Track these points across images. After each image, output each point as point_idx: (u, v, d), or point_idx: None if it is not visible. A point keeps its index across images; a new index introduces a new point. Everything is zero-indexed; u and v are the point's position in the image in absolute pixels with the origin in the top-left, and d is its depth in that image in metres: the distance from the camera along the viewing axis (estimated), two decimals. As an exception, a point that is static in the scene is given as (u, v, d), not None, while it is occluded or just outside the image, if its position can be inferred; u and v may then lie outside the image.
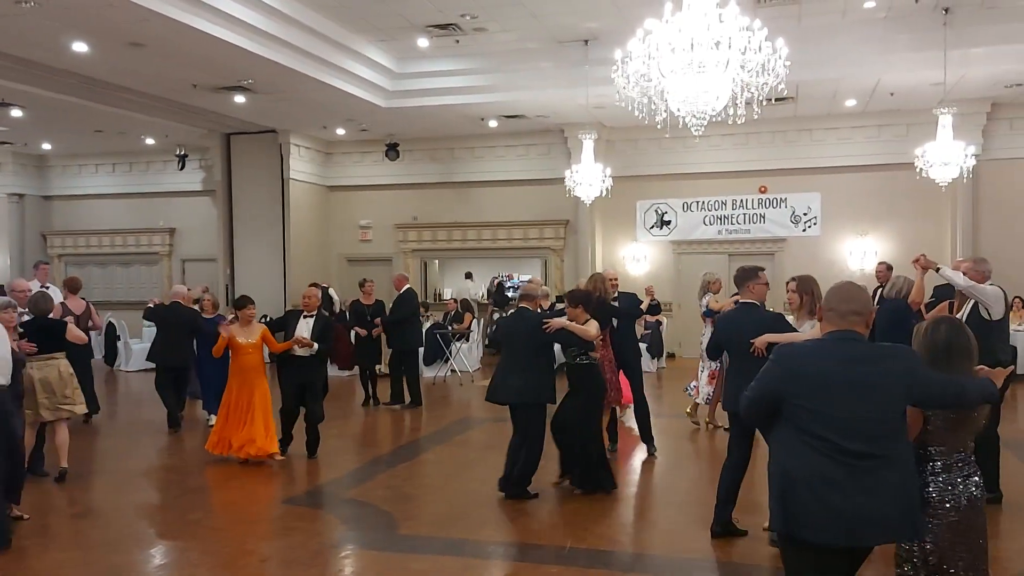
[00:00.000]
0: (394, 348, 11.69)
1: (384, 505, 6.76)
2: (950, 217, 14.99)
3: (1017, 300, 13.19)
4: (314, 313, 8.33)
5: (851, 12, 11.46)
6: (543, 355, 6.67)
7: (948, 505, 3.35)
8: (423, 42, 12.75)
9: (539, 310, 7.16)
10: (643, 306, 8.23)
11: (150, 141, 18.07)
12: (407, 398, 11.44)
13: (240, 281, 17.05)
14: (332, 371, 13.83)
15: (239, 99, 13.88)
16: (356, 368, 12.54)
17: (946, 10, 11.16)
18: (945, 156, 11.89)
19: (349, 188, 18.51)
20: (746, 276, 5.72)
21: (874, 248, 15.38)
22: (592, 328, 6.69)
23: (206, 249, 18.43)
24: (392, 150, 17.21)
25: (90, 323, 9.90)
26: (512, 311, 7.09)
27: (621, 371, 8.02)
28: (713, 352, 6.47)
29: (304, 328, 8.21)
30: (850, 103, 14.54)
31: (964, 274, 6.42)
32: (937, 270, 6.56)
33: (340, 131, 16.91)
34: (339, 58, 12.52)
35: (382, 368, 12.38)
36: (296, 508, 6.81)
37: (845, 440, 3.05)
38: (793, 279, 5.82)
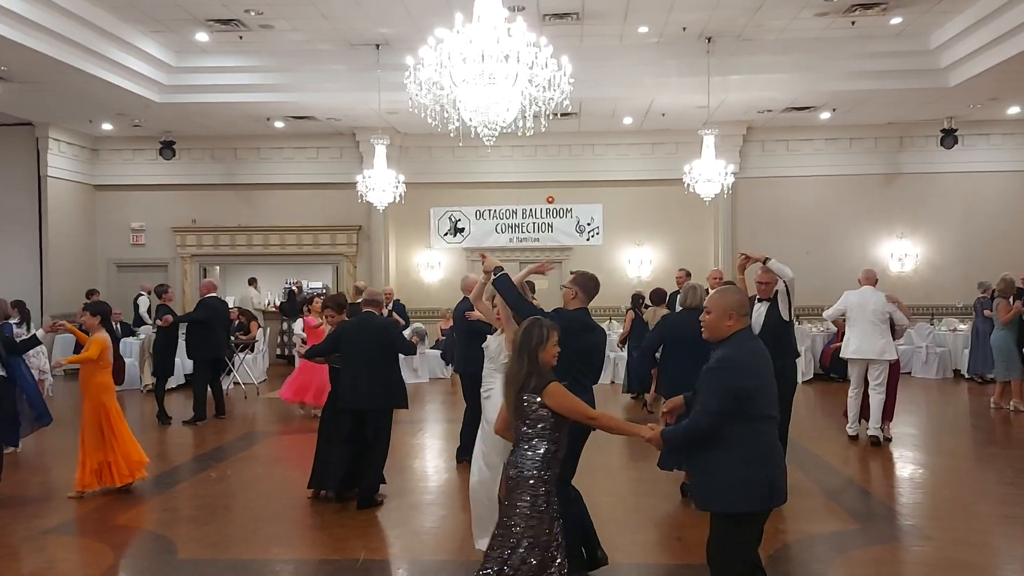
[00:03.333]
0: (197, 358, 11.11)
1: (161, 529, 6.30)
2: (713, 228, 16.46)
3: None
4: None
5: (628, 36, 12.26)
6: (392, 359, 6.77)
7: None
8: (202, 36, 12.07)
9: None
10: None
11: None
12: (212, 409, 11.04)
13: (-13, 289, 15.21)
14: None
15: (-13, 86, 12.41)
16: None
17: (709, 39, 12.25)
18: (708, 173, 13.06)
19: (119, 188, 17.11)
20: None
21: (649, 257, 16.55)
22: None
23: (-55, 253, 16.27)
24: (167, 148, 16.06)
25: None
26: (357, 316, 7.02)
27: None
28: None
29: None
30: (627, 121, 15.56)
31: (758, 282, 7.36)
32: (765, 261, 7.21)
33: (107, 126, 15.60)
34: (107, 48, 11.51)
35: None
36: (60, 538, 6.17)
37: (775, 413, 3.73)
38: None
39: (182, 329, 11.39)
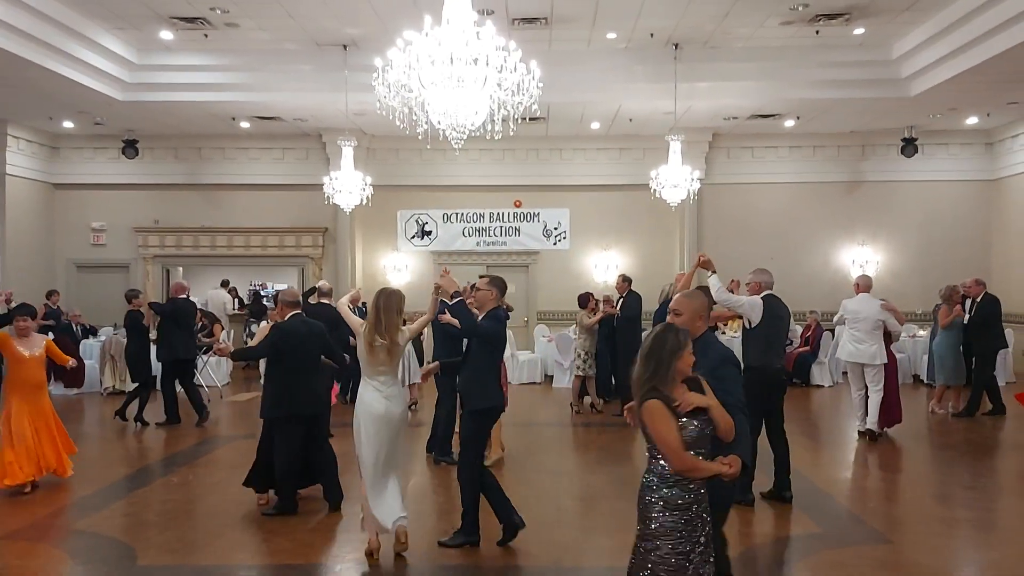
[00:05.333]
0: (164, 359, 10.81)
1: (121, 535, 6.17)
2: (679, 233, 16.60)
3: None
4: None
5: (596, 42, 12.32)
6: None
7: None
8: (167, 34, 11.89)
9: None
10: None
11: None
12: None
13: (-59, 289, 14.80)
14: (58, 389, 12.49)
15: (-59, 81, 12.09)
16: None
17: (676, 46, 12.36)
18: (675, 179, 13.16)
19: (79, 187, 16.79)
20: None
21: (616, 261, 16.63)
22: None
23: None
24: (130, 147, 15.81)
25: None
26: (292, 316, 6.80)
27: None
28: None
29: None
30: (595, 126, 15.63)
31: (747, 284, 7.50)
32: (713, 274, 7.00)
33: (68, 123, 15.29)
34: (68, 44, 11.29)
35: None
36: (15, 544, 6.01)
37: None
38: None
39: (153, 335, 11.10)
